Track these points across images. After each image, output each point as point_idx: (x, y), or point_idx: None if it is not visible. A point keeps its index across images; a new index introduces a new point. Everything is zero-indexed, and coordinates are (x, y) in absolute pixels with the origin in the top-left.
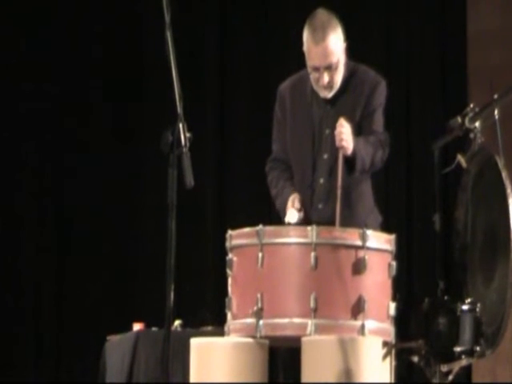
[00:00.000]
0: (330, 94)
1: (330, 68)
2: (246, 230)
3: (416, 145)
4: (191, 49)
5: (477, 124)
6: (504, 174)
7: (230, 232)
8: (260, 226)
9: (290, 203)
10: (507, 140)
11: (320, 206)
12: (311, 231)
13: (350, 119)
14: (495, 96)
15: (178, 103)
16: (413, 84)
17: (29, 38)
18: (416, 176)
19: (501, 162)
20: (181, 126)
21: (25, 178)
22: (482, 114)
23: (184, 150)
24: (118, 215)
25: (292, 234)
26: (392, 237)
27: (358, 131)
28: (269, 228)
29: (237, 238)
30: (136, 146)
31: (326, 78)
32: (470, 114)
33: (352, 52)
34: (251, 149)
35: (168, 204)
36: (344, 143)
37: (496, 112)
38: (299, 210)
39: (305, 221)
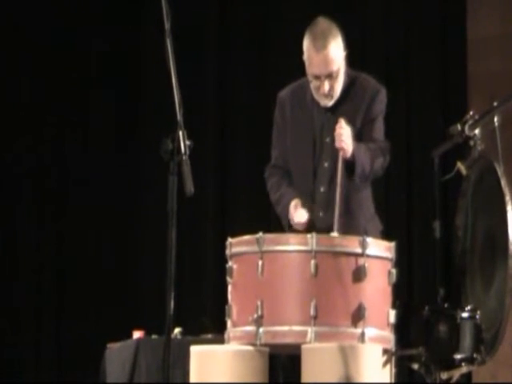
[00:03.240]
0: (330, 103)
1: (331, 76)
2: (246, 237)
3: (416, 152)
4: (191, 56)
5: (476, 131)
6: (503, 181)
7: (229, 240)
8: (260, 234)
9: (292, 208)
10: (506, 147)
11: (321, 214)
12: (311, 239)
13: (351, 126)
14: (495, 103)
15: (177, 111)
16: (412, 91)
17: (29, 39)
18: (416, 183)
19: (500, 169)
20: (181, 133)
21: (25, 184)
22: (482, 121)
23: (184, 157)
24: (118, 223)
25: (292, 242)
26: (392, 244)
27: (358, 139)
28: (269, 235)
29: (237, 245)
30: (136, 153)
31: (326, 86)
32: (470, 122)
33: (351, 60)
34: (252, 156)
35: (168, 211)
36: (343, 144)
37: (495, 119)
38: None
39: (309, 224)
